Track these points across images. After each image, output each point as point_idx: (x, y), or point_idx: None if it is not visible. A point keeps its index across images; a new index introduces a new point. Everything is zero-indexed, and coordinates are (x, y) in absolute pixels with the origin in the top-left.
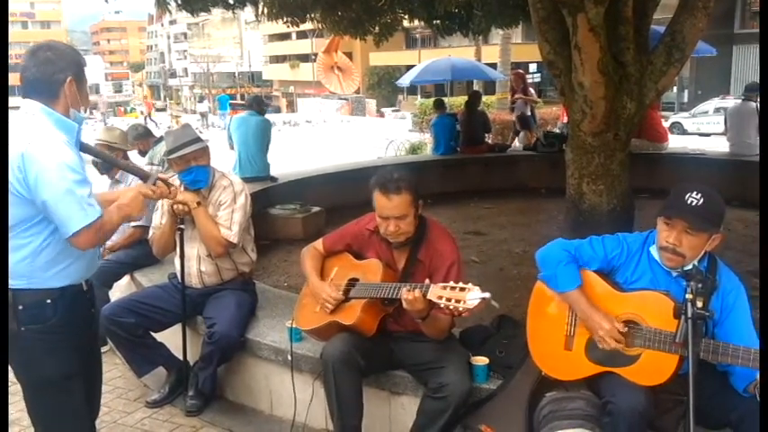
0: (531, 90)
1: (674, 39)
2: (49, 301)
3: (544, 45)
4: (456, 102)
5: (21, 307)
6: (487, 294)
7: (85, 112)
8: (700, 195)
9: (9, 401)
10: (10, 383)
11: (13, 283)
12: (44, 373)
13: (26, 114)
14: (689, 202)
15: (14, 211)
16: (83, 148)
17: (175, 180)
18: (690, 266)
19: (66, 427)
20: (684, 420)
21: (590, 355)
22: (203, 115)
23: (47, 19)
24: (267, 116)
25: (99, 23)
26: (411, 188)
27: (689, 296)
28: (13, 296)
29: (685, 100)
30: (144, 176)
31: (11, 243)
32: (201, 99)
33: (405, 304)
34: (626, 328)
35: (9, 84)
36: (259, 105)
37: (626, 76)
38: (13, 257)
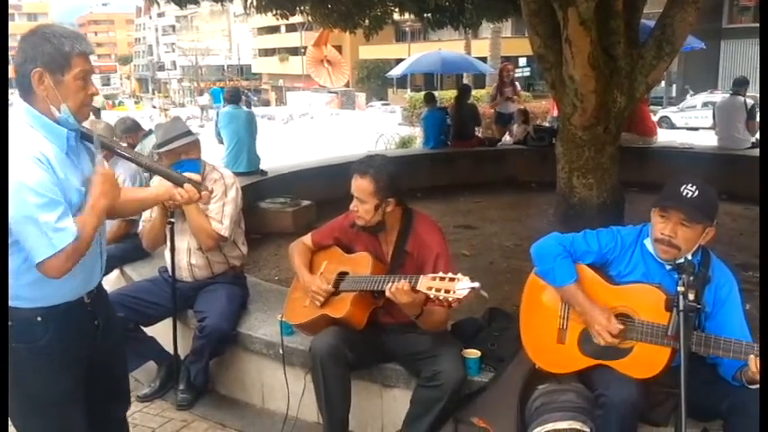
0: (517, 84)
1: (665, 33)
2: (39, 318)
3: (535, 39)
4: (446, 95)
5: (11, 323)
6: (477, 284)
7: (82, 108)
8: (695, 188)
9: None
10: None
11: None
12: (31, 391)
13: (13, 117)
14: (684, 193)
15: None
16: (102, 145)
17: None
18: (682, 260)
19: None
20: (676, 412)
21: (583, 348)
22: (203, 108)
23: (34, 11)
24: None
25: (86, 16)
26: (378, 179)
27: (681, 289)
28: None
29: (673, 94)
30: (176, 180)
31: None
32: (202, 92)
33: (392, 298)
34: (621, 327)
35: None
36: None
37: (616, 69)
38: None
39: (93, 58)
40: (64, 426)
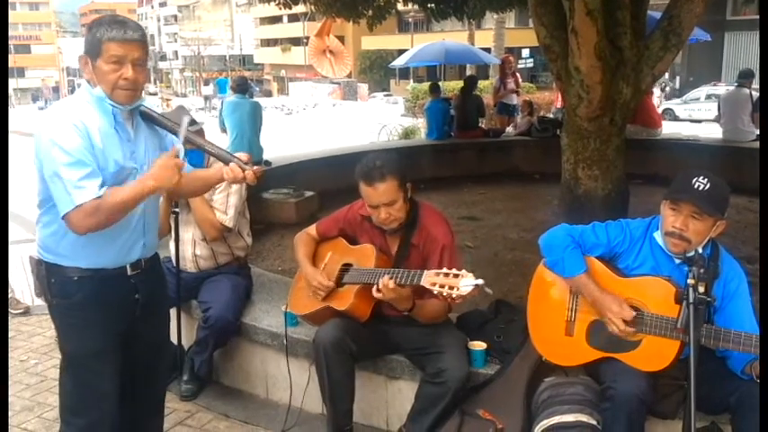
0: (518, 75)
1: (671, 24)
2: (75, 278)
3: (540, 29)
4: (448, 86)
5: (52, 280)
6: (481, 281)
7: (115, 90)
8: (706, 180)
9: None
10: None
11: (46, 256)
12: (67, 347)
13: (77, 93)
14: (696, 186)
15: (42, 187)
16: (154, 120)
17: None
18: (692, 253)
19: (83, 406)
20: (685, 405)
21: (591, 340)
22: (207, 98)
23: (35, 0)
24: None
25: (88, 5)
26: (395, 173)
27: (691, 281)
28: (47, 270)
29: (677, 86)
30: (223, 159)
31: (44, 217)
32: (207, 82)
33: (380, 297)
34: (634, 313)
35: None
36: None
37: (622, 60)
38: (44, 231)
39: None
40: (96, 387)
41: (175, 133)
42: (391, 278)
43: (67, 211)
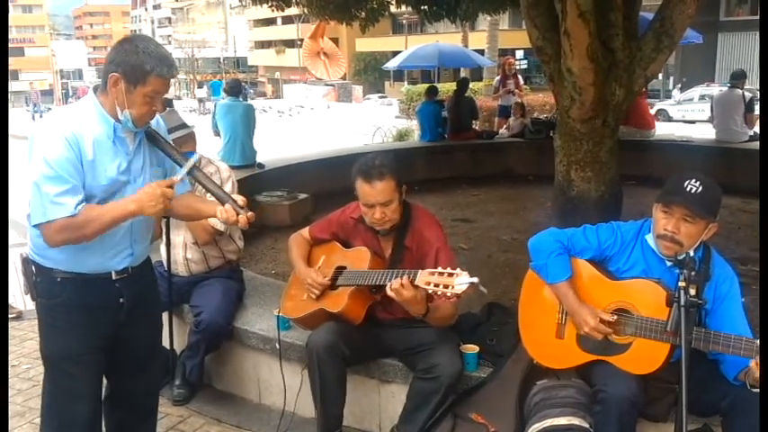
0: (519, 77)
1: (664, 25)
2: (59, 279)
3: (533, 31)
4: (442, 88)
5: (38, 280)
6: (475, 279)
7: (142, 118)
8: (699, 183)
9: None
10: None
11: (34, 256)
12: (45, 348)
13: (81, 101)
14: (688, 189)
15: None
16: (159, 145)
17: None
18: (683, 255)
19: (60, 407)
20: (676, 408)
21: (581, 343)
22: (201, 101)
23: (28, 3)
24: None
25: (81, 8)
26: (394, 174)
27: (682, 284)
28: (34, 269)
29: (670, 87)
30: (219, 197)
31: None
32: (201, 85)
33: (394, 296)
34: (615, 317)
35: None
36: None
37: (615, 62)
38: (33, 232)
39: (88, 50)
40: (74, 389)
41: (178, 164)
42: (402, 278)
43: (38, 222)
